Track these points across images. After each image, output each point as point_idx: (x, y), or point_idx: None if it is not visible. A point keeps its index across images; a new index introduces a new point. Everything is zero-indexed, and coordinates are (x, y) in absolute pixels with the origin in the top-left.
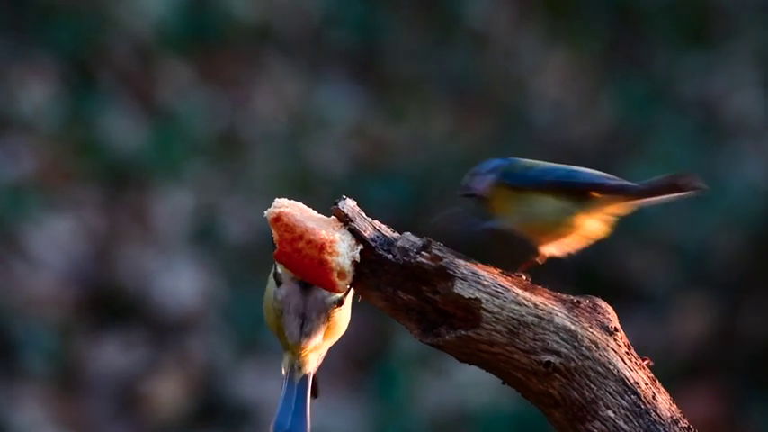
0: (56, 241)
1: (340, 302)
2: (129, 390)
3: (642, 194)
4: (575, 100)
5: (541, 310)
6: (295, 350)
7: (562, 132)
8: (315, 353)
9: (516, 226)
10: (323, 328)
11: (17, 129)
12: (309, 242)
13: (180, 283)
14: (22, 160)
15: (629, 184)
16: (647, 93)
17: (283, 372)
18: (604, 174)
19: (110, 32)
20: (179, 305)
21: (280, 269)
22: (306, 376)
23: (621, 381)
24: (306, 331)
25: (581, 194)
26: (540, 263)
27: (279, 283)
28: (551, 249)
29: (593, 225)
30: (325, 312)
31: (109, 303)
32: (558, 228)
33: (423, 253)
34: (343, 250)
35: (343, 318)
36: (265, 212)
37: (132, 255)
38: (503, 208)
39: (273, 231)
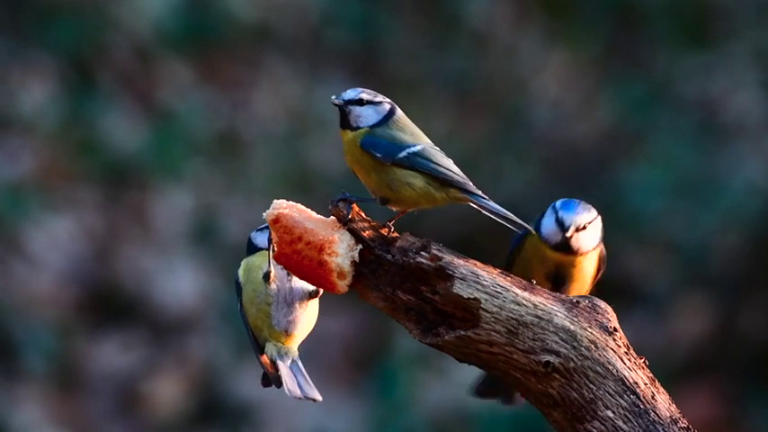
0: (56, 241)
1: (316, 293)
2: (129, 390)
3: (483, 208)
4: (574, 100)
5: (541, 310)
6: (280, 338)
7: (562, 132)
8: (296, 342)
9: (385, 195)
10: (303, 317)
11: (17, 129)
12: (308, 243)
13: (180, 283)
14: (22, 160)
15: (482, 198)
16: (647, 93)
17: (267, 360)
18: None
19: (110, 32)
20: (179, 305)
21: (271, 268)
22: (295, 360)
23: (621, 381)
24: (291, 319)
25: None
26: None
27: (268, 281)
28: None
29: (440, 202)
30: (304, 300)
31: (109, 303)
32: (415, 199)
33: (422, 253)
34: (342, 251)
35: (315, 309)
36: (264, 214)
37: (132, 255)
38: (361, 170)
39: (273, 233)
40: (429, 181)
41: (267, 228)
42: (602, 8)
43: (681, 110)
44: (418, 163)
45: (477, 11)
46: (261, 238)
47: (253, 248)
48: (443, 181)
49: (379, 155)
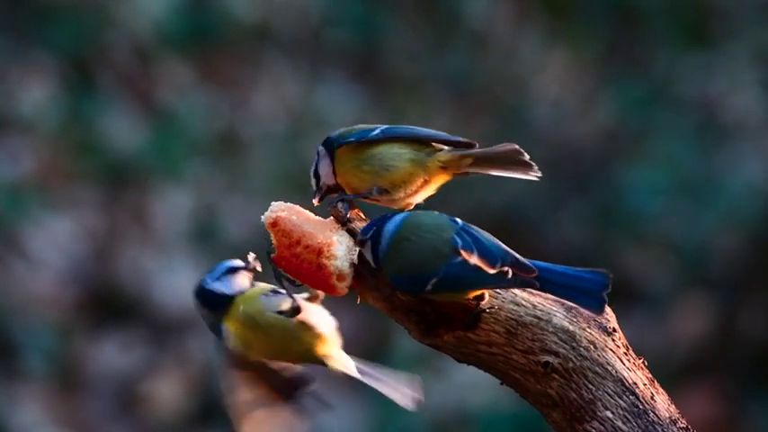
0: (56, 241)
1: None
2: (129, 390)
3: (477, 155)
4: (574, 100)
5: (540, 310)
6: (325, 345)
7: (562, 132)
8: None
9: (379, 183)
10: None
11: (17, 129)
12: (307, 247)
13: (180, 283)
14: (22, 160)
15: (462, 140)
16: (647, 93)
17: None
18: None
19: (110, 32)
20: (179, 305)
21: (297, 302)
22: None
23: (620, 381)
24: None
25: (423, 144)
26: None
27: (297, 314)
28: (407, 201)
29: (434, 172)
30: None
31: (109, 303)
32: (409, 171)
33: None
34: (341, 253)
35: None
36: (262, 217)
37: (132, 255)
38: (352, 177)
39: (272, 237)
40: (414, 147)
41: (225, 274)
42: (603, 8)
43: (681, 110)
44: (393, 132)
45: (477, 11)
46: (225, 286)
47: (216, 300)
48: (427, 139)
49: (353, 139)
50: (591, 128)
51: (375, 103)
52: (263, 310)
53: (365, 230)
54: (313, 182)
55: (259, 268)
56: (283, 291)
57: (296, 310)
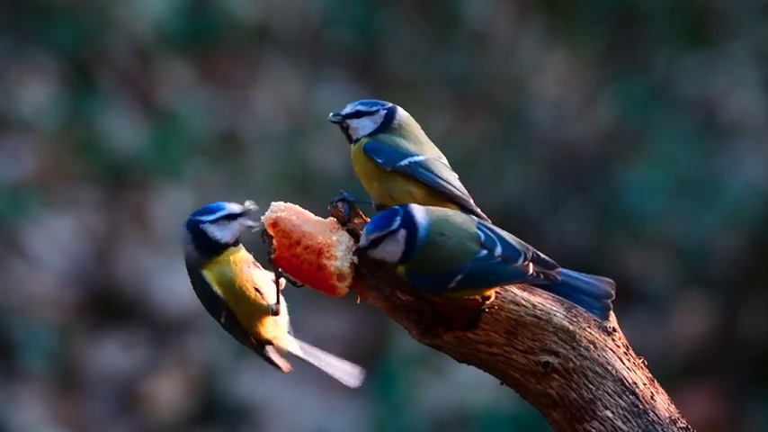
0: (56, 241)
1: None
2: (129, 390)
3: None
4: (574, 100)
5: (540, 310)
6: (276, 330)
7: (562, 132)
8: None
9: (383, 202)
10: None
11: (17, 129)
12: (307, 247)
13: (180, 283)
14: (22, 160)
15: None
16: (647, 93)
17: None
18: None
19: (110, 32)
20: (179, 305)
21: (279, 304)
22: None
23: (620, 381)
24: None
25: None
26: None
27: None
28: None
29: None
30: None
31: (109, 303)
32: (407, 201)
33: None
34: (341, 253)
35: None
36: (262, 218)
37: (132, 255)
38: (362, 174)
39: (273, 237)
40: (429, 192)
41: (225, 219)
42: (603, 8)
43: (681, 110)
44: (419, 173)
45: (478, 11)
46: (221, 233)
47: (206, 243)
48: (444, 195)
49: (380, 160)
50: (591, 128)
51: None
52: (243, 280)
53: (386, 220)
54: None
55: (252, 223)
56: (261, 269)
57: (274, 312)
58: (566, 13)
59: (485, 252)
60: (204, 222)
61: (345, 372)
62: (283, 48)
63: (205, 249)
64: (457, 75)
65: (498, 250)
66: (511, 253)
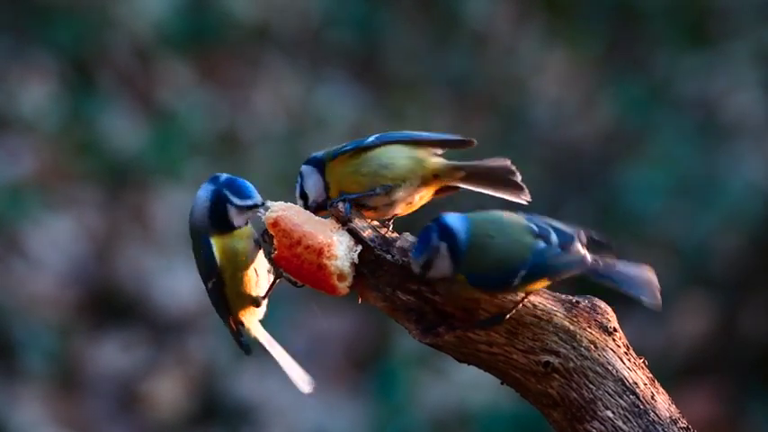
0: (56, 241)
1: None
2: (129, 390)
3: (468, 168)
4: (574, 100)
5: (540, 310)
6: (252, 316)
7: (562, 132)
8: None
9: (381, 182)
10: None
11: (17, 129)
12: (307, 247)
13: (180, 283)
14: (22, 160)
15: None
16: (647, 93)
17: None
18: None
19: (110, 32)
20: (179, 305)
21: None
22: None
23: (620, 381)
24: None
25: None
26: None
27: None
28: (405, 205)
29: (428, 179)
30: None
31: (109, 303)
32: (409, 168)
33: None
34: (341, 253)
35: None
36: (263, 217)
37: (132, 255)
38: (351, 184)
39: (274, 237)
40: (411, 147)
41: (249, 207)
42: (603, 8)
43: (681, 110)
44: (388, 137)
45: (478, 11)
46: (239, 219)
47: (221, 220)
48: (423, 141)
49: (349, 148)
50: (591, 128)
51: (375, 103)
52: (248, 256)
53: (425, 240)
54: (300, 203)
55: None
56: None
57: (257, 303)
58: (566, 12)
59: (542, 243)
60: (232, 203)
61: (299, 376)
62: (283, 48)
63: (217, 224)
64: (457, 75)
65: (554, 238)
66: (566, 239)
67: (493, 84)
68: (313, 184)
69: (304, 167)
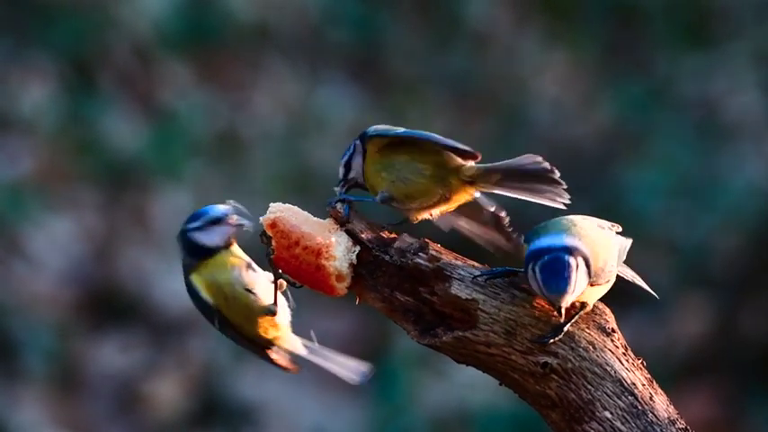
0: (55, 241)
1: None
2: (129, 390)
3: (501, 168)
4: (574, 100)
5: (538, 311)
6: (276, 331)
7: (562, 132)
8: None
9: (393, 192)
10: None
11: (17, 129)
12: (306, 248)
13: (180, 283)
14: (22, 160)
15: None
16: (647, 93)
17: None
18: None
19: (110, 32)
20: (179, 305)
21: (275, 305)
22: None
23: (619, 382)
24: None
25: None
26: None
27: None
28: (422, 213)
29: (457, 188)
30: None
31: (109, 303)
32: (426, 187)
33: (420, 254)
34: (339, 254)
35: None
36: (261, 219)
37: (132, 255)
38: (374, 179)
39: (272, 238)
40: (437, 163)
41: (210, 224)
42: (603, 8)
43: (681, 110)
44: (418, 134)
45: (478, 11)
46: (207, 237)
47: (195, 249)
48: (445, 147)
49: (380, 131)
50: (591, 128)
51: (375, 104)
52: (233, 283)
53: (556, 267)
54: (341, 171)
55: (245, 221)
56: (257, 269)
57: (272, 312)
58: (566, 13)
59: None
60: (190, 230)
61: (351, 368)
62: (283, 48)
63: (196, 255)
64: (457, 75)
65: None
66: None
67: (493, 84)
68: (357, 163)
69: (356, 141)
